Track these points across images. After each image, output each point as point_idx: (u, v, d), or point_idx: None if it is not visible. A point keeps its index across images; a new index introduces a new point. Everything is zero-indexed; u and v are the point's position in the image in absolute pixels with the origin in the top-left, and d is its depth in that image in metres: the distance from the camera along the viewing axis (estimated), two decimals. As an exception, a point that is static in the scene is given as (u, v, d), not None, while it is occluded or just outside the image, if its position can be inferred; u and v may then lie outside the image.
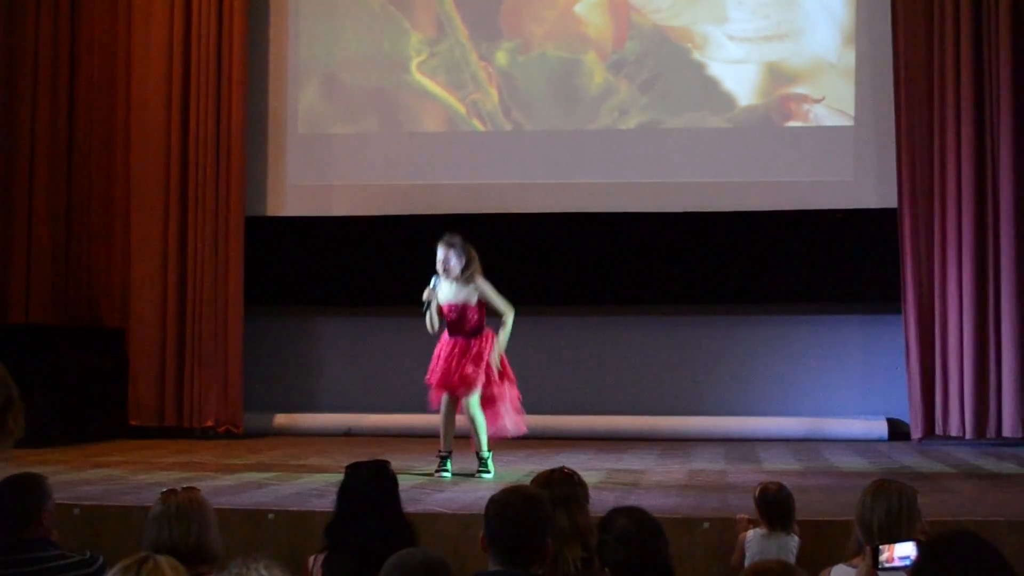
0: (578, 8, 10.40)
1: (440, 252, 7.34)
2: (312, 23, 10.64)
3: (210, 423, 10.15)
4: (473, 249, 7.41)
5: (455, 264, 7.31)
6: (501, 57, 10.46)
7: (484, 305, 7.43)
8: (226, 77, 10.28)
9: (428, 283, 7.36)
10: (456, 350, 7.37)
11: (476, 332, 7.39)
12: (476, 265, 7.39)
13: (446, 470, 7.36)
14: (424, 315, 7.35)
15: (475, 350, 7.37)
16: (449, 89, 10.53)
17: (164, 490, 3.75)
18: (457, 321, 7.37)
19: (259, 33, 10.59)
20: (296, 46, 10.65)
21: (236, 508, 5.85)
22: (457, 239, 7.39)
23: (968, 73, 9.38)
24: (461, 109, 10.51)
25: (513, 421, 7.53)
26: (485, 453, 7.41)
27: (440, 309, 7.37)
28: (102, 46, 10.50)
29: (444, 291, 7.37)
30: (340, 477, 3.79)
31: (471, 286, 7.35)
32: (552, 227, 10.29)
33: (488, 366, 7.36)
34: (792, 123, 10.17)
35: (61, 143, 10.50)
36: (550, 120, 10.43)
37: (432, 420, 9.30)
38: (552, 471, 3.87)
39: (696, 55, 10.21)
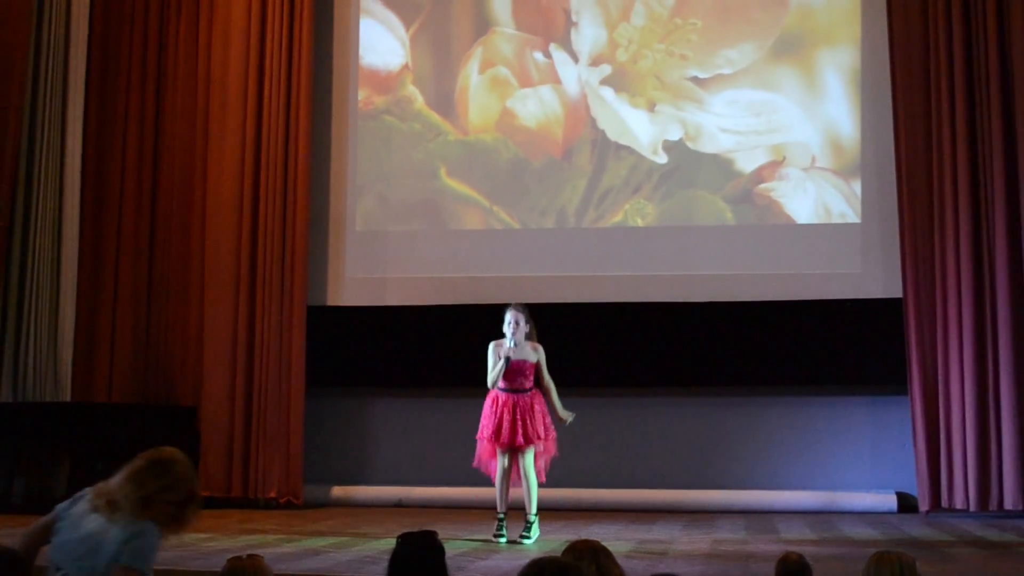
0: (578, 110, 10.48)
1: (511, 315, 7.55)
2: (366, 142, 10.83)
3: (273, 494, 10.14)
4: None
5: (524, 324, 7.53)
6: (511, 159, 10.58)
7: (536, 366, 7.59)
8: (291, 182, 10.45)
9: (487, 348, 7.56)
10: (517, 405, 7.43)
11: (530, 389, 7.53)
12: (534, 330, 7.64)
13: (502, 535, 7.35)
14: (498, 369, 7.46)
15: (540, 406, 7.51)
16: (476, 190, 10.65)
17: (231, 557, 3.74)
18: (517, 377, 7.48)
19: (321, 146, 10.79)
20: (355, 160, 10.82)
21: (296, 574, 5.82)
22: (523, 306, 7.67)
23: (964, 174, 9.39)
24: (488, 206, 10.62)
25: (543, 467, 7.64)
26: (532, 517, 7.40)
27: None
28: (182, 148, 10.71)
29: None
30: (391, 545, 3.77)
31: (532, 347, 7.55)
32: (586, 316, 10.29)
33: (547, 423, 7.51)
34: (804, 220, 10.17)
35: (143, 236, 10.69)
36: (571, 218, 10.47)
37: (473, 493, 9.31)
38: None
39: (704, 152, 10.25)
